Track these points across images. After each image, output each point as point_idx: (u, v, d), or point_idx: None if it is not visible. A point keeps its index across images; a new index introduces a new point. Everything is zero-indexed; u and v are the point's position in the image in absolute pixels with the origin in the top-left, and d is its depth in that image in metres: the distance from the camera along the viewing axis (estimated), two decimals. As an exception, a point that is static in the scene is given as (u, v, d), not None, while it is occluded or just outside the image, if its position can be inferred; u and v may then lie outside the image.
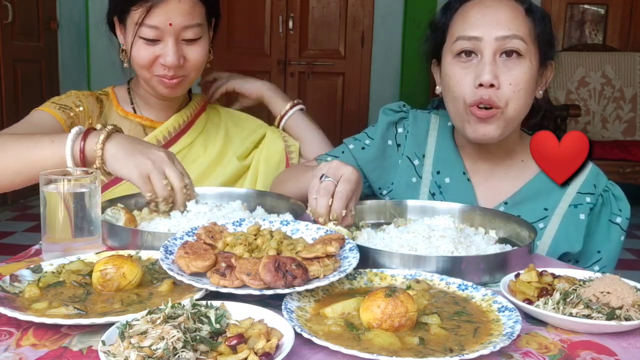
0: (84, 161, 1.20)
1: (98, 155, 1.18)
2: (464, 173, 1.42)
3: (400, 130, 1.52)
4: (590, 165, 1.37)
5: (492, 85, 1.24)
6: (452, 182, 1.42)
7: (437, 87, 1.40)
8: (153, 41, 1.42)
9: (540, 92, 1.34)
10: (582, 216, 1.33)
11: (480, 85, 1.25)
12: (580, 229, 1.33)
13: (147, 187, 1.16)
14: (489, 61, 1.25)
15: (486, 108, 1.26)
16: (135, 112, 1.62)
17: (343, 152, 1.52)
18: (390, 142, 1.51)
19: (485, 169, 1.41)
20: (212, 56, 1.55)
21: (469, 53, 1.28)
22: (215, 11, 1.55)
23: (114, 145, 1.20)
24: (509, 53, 1.26)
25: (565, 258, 1.34)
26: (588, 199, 1.34)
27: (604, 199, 1.35)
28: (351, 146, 1.52)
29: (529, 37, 1.27)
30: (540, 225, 1.34)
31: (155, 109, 1.62)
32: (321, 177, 1.12)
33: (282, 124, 1.74)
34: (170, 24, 1.40)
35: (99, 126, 1.25)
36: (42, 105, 1.50)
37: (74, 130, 1.22)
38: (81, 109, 1.52)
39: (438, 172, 1.45)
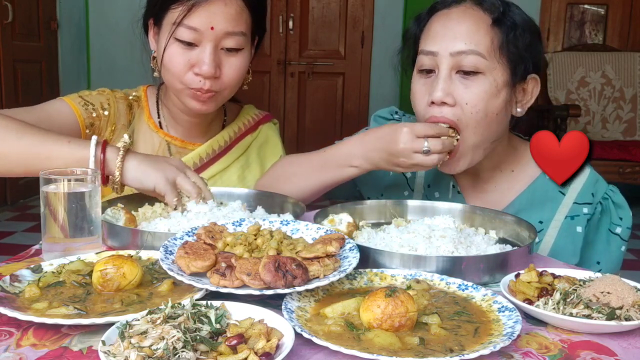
0: (103, 170, 1.16)
1: (117, 177, 1.15)
2: (454, 186, 1.39)
3: None
4: (588, 172, 1.32)
5: (445, 103, 1.19)
6: (442, 196, 1.39)
7: None
8: (189, 45, 1.30)
9: (519, 109, 1.26)
10: (579, 229, 1.28)
11: (433, 102, 1.20)
12: (577, 242, 1.28)
13: (174, 193, 1.16)
14: (443, 78, 1.19)
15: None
16: (161, 126, 1.51)
17: None
18: None
19: (474, 182, 1.37)
20: (250, 77, 1.44)
21: (429, 70, 1.23)
22: (261, 25, 1.43)
23: (133, 162, 1.16)
24: (466, 71, 1.19)
25: None
26: (585, 210, 1.29)
27: (604, 207, 1.30)
28: None
29: (490, 51, 1.19)
30: (536, 239, 1.27)
31: (183, 127, 1.50)
32: (424, 151, 1.14)
33: None
34: (212, 28, 1.28)
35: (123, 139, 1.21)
36: (68, 95, 1.42)
37: (94, 141, 1.17)
38: (107, 113, 1.43)
39: (429, 186, 1.41)
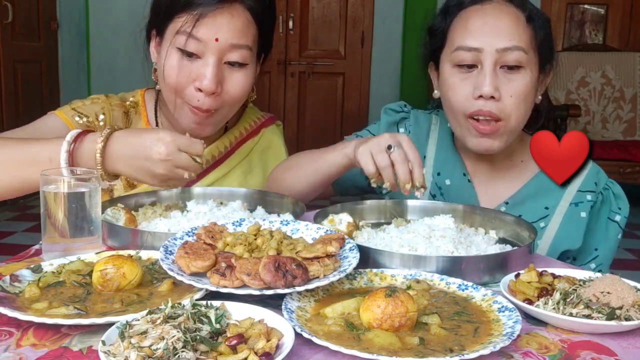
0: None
1: (102, 175, 1.12)
2: (465, 174, 1.42)
3: (401, 130, 1.50)
4: (590, 164, 1.37)
5: (492, 97, 1.23)
6: (453, 183, 1.42)
7: (435, 92, 1.39)
8: (191, 56, 1.25)
9: (539, 97, 1.33)
10: (583, 214, 1.33)
11: (480, 96, 1.24)
12: (581, 227, 1.33)
13: (171, 183, 1.15)
14: (490, 73, 1.23)
15: (486, 119, 1.24)
16: None
17: None
18: None
19: (485, 170, 1.41)
20: (255, 95, 1.39)
21: (470, 65, 1.26)
22: (268, 42, 1.38)
23: (118, 165, 1.12)
24: (510, 66, 1.24)
25: (564, 255, 1.34)
26: (589, 197, 1.34)
27: (604, 197, 1.36)
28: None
29: (529, 45, 1.25)
30: (542, 224, 1.34)
31: (181, 131, 1.41)
32: (389, 148, 1.11)
33: None
34: (217, 40, 1.22)
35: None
36: (60, 108, 1.38)
37: (64, 148, 1.12)
38: (102, 124, 1.38)
39: (438, 174, 1.44)
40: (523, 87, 1.25)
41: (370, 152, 1.14)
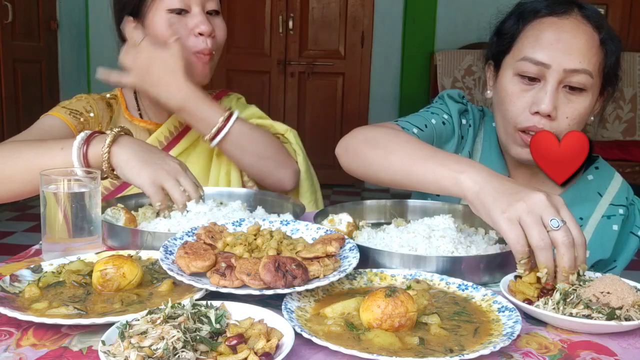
0: (88, 166, 1.17)
1: (104, 159, 1.15)
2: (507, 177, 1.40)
3: (464, 121, 1.45)
4: (621, 179, 1.38)
5: (548, 116, 1.21)
6: None
7: (488, 92, 1.37)
8: (180, 13, 1.42)
9: (592, 118, 1.30)
10: (615, 227, 1.33)
11: (537, 112, 1.21)
12: (612, 239, 1.33)
13: (158, 196, 1.14)
14: (552, 91, 1.20)
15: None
16: (141, 117, 1.56)
17: (426, 127, 1.35)
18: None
19: (525, 176, 1.39)
20: None
21: (532, 78, 1.23)
22: None
23: (125, 150, 1.16)
24: (573, 87, 1.21)
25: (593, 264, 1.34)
26: (621, 211, 1.34)
27: (630, 212, 1.36)
28: (433, 121, 1.37)
29: (597, 70, 1.22)
30: None
31: (166, 112, 1.54)
32: (553, 225, 0.87)
33: (217, 140, 1.40)
34: None
35: (108, 131, 1.21)
36: (52, 109, 1.46)
37: (80, 136, 1.18)
38: (92, 114, 1.48)
39: None
40: (581, 109, 1.22)
41: (518, 220, 0.89)
